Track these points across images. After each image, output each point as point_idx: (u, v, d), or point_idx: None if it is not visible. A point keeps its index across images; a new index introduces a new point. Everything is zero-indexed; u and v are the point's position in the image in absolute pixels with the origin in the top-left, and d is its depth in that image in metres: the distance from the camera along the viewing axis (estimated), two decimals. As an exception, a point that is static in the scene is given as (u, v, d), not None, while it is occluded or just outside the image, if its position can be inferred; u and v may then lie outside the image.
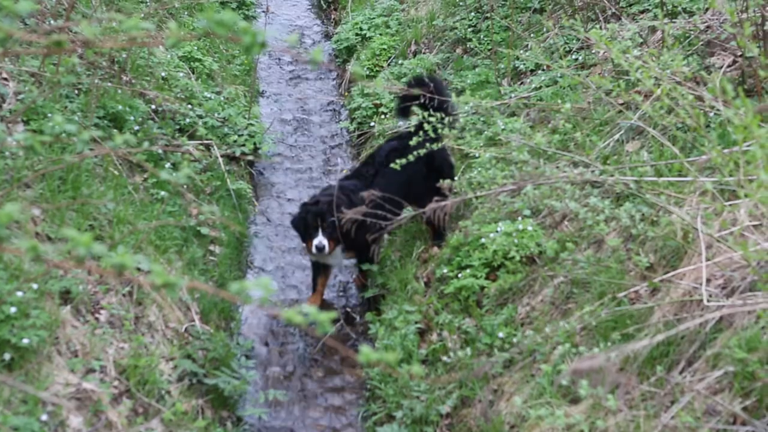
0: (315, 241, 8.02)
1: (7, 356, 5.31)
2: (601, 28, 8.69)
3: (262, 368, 7.81)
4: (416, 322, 7.57)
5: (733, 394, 4.79)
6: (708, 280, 5.35)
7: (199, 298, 7.73)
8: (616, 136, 7.73)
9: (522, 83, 10.05)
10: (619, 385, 4.60)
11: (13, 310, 5.40)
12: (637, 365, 5.18)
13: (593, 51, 9.31)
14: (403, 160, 6.83)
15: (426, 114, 7.10)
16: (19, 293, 5.50)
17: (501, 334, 6.71)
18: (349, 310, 8.63)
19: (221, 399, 6.87)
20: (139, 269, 6.93)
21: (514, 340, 6.42)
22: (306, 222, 8.11)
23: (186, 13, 12.70)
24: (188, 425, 6.17)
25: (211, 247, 8.86)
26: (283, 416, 7.28)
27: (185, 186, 8.69)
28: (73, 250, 2.62)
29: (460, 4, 12.38)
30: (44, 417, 5.10)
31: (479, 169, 7.69)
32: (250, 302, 2.57)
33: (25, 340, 5.37)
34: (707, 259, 5.36)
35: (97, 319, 6.40)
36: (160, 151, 8.86)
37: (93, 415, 5.53)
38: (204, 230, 8.76)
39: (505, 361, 6.51)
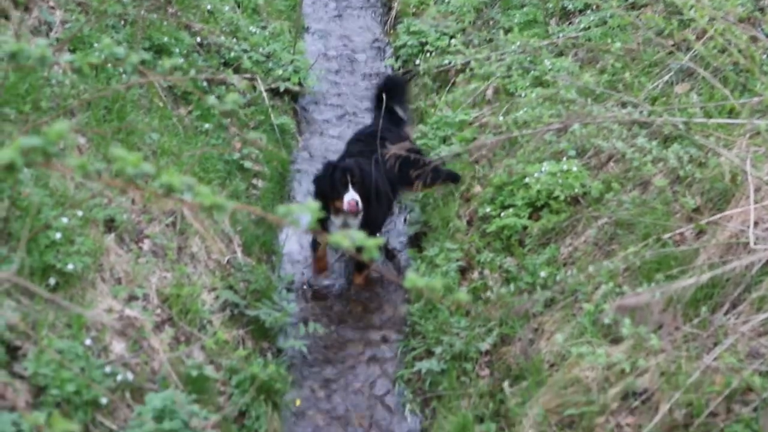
0: (347, 197, 7.45)
1: (52, 281, 5.35)
2: (653, -34, 8.53)
3: (303, 301, 7.84)
4: (457, 260, 7.56)
5: (777, 336, 4.76)
6: (756, 223, 5.28)
7: (241, 231, 7.77)
8: (666, 78, 7.62)
9: (570, 23, 9.91)
10: (662, 324, 4.57)
11: (58, 236, 5.43)
12: (681, 306, 5.13)
13: (644, -10, 9.14)
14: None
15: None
16: (65, 219, 5.54)
17: (543, 274, 6.68)
18: (389, 247, 8.63)
19: (262, 330, 6.92)
20: (182, 200, 6.98)
21: (556, 279, 6.38)
22: (333, 179, 7.55)
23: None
24: (229, 354, 6.21)
25: (254, 181, 8.87)
26: (323, 349, 7.32)
27: (229, 119, 8.69)
28: (120, 170, 2.60)
29: (509, -59, 12.19)
30: (88, 341, 5.15)
31: (525, 108, 7.61)
32: (296, 226, 2.55)
33: (70, 266, 5.41)
34: (755, 202, 5.29)
35: (140, 248, 6.44)
36: (205, 83, 8.85)
37: (135, 341, 5.58)
38: (247, 164, 8.77)
39: (546, 300, 6.49)
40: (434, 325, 7.03)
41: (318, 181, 7.77)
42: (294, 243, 8.50)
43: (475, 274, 7.44)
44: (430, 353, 6.89)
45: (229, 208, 2.51)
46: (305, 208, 2.58)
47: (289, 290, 7.76)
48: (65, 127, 2.44)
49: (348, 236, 2.42)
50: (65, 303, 4.11)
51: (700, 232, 5.81)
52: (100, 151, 6.63)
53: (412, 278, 2.43)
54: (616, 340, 5.64)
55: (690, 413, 4.84)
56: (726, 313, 5.13)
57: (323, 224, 7.66)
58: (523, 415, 5.88)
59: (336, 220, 7.71)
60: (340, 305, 7.87)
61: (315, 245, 8.08)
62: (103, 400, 4.91)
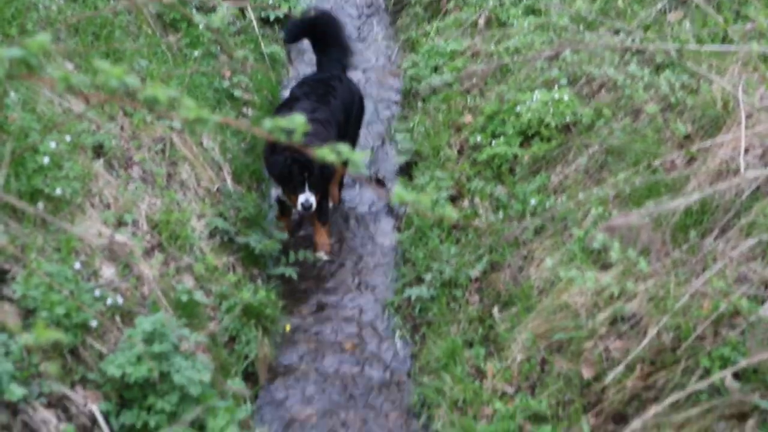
0: (301, 198, 7.02)
1: (40, 206, 5.33)
2: None
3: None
4: (448, 189, 7.55)
5: (766, 261, 4.76)
6: (746, 150, 5.26)
7: (231, 159, 7.74)
8: (659, 6, 7.53)
9: (563, -50, 9.79)
10: (651, 247, 4.57)
11: (46, 160, 5.40)
12: (670, 229, 5.14)
13: None
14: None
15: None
16: (53, 144, 5.50)
17: (533, 201, 6.68)
18: (379, 176, 8.61)
19: (252, 257, 6.93)
20: (171, 128, 6.94)
21: (546, 206, 6.38)
22: (291, 174, 7.03)
23: None
24: (219, 280, 6.23)
25: (244, 110, 8.83)
26: (314, 275, 7.34)
27: (219, 47, 8.63)
28: (104, 84, 2.57)
29: None
30: (77, 265, 5.14)
31: (517, 36, 7.56)
32: (283, 139, 2.53)
33: (59, 191, 5.39)
34: (746, 128, 5.26)
35: (129, 174, 6.42)
36: (194, 11, 8.76)
37: (125, 266, 5.58)
38: (237, 93, 8.72)
39: (536, 227, 6.50)
40: (424, 253, 7.04)
41: (272, 171, 7.26)
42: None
43: (466, 203, 7.43)
44: (420, 280, 6.90)
45: (213, 121, 2.47)
46: (292, 121, 2.55)
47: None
48: (47, 38, 2.39)
49: (335, 150, 2.40)
50: (54, 220, 4.09)
51: (691, 159, 5.80)
52: (88, 75, 6.55)
53: (400, 193, 2.41)
54: (606, 266, 5.66)
55: (678, 337, 4.87)
56: (715, 239, 5.13)
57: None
58: (512, 340, 5.91)
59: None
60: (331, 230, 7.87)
61: (282, 211, 7.78)
62: (93, 323, 4.92)
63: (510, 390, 5.68)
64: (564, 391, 5.35)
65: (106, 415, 4.75)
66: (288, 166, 6.94)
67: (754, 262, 4.84)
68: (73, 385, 4.79)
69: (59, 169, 5.51)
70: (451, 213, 2.61)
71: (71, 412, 4.68)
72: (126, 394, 4.84)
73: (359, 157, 2.48)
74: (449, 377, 5.89)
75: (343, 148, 2.52)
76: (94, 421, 4.73)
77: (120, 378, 4.77)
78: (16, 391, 4.25)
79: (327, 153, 2.48)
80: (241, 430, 5.20)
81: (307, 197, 6.95)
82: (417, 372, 6.34)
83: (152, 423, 4.76)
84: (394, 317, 6.93)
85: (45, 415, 4.50)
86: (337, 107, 7.73)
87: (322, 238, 7.61)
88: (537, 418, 5.33)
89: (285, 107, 7.66)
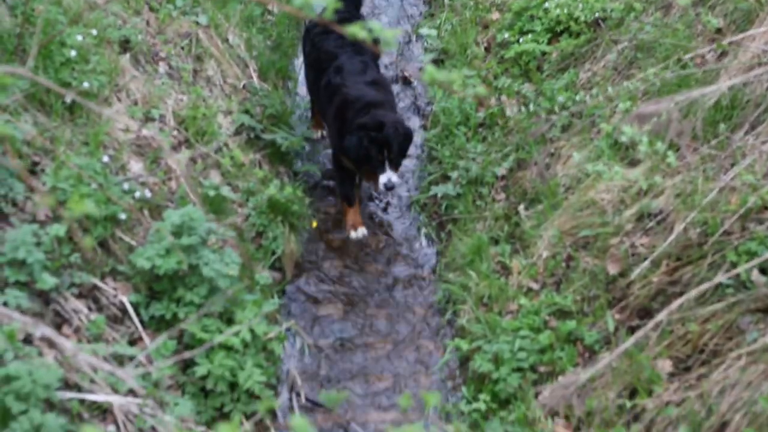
0: (383, 179, 6.37)
1: (68, 99, 5.33)
2: None
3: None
4: (475, 86, 7.47)
5: (796, 155, 4.73)
6: (779, 44, 5.19)
7: (257, 56, 7.69)
8: None
9: None
10: (680, 136, 4.52)
11: (73, 53, 5.39)
12: (700, 124, 5.09)
13: None
14: None
15: None
16: (79, 38, 5.48)
17: (561, 98, 6.62)
18: (406, 74, 8.55)
19: (278, 154, 6.93)
20: (197, 23, 6.89)
21: (574, 103, 6.33)
22: (369, 154, 6.37)
23: None
24: (246, 177, 6.24)
25: (270, 7, 8.73)
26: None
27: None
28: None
29: None
30: (105, 159, 5.17)
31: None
32: (313, 15, 2.51)
33: (86, 84, 5.39)
34: (780, 22, 5.18)
35: (155, 69, 6.40)
36: None
37: (153, 161, 5.60)
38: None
39: (563, 124, 6.46)
40: (450, 151, 7.02)
41: (350, 150, 6.47)
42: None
43: (493, 101, 7.38)
44: (446, 178, 6.90)
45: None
46: None
47: (306, 116, 7.72)
48: None
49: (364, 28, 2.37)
50: (86, 103, 4.09)
51: (723, 53, 5.72)
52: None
53: (431, 71, 2.40)
54: (634, 163, 5.63)
55: (704, 232, 4.86)
56: (745, 134, 5.09)
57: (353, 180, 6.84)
58: (537, 237, 5.92)
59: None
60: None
61: (349, 201, 6.80)
62: (122, 216, 4.96)
63: (535, 286, 5.70)
64: (589, 287, 5.37)
65: (136, 307, 4.82)
66: (365, 147, 6.34)
67: (784, 156, 4.80)
68: (103, 277, 4.85)
69: (86, 63, 5.50)
70: (483, 90, 2.60)
71: (101, 303, 4.75)
72: (155, 286, 4.91)
73: (391, 35, 2.46)
74: (475, 274, 5.92)
75: (375, 25, 2.50)
76: (124, 311, 4.80)
77: (149, 270, 4.82)
78: (48, 281, 4.31)
79: (356, 30, 2.45)
80: (269, 323, 5.26)
81: (389, 177, 6.36)
82: (442, 269, 6.37)
83: (181, 314, 4.83)
84: (420, 215, 6.94)
85: (76, 304, 4.58)
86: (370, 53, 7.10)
87: (351, 216, 6.83)
88: (562, 314, 5.36)
89: (329, 71, 6.89)
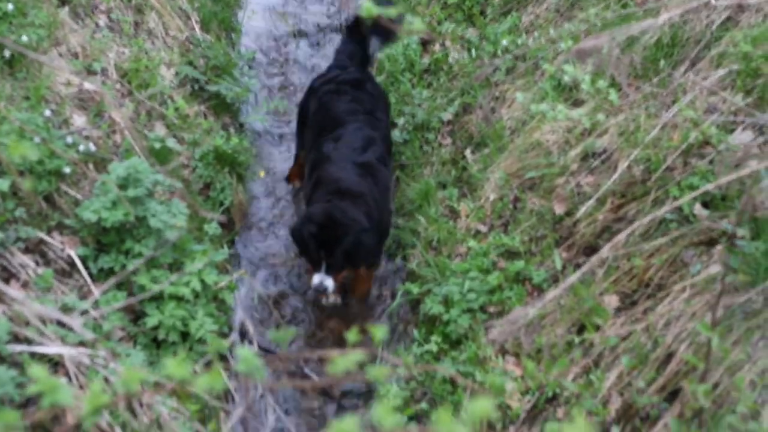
0: (315, 279, 5.50)
1: (7, 53, 5.26)
2: None
3: (264, 78, 7.79)
4: (412, 23, 7.46)
5: (736, 91, 4.79)
6: (718, -19, 5.23)
7: (198, 8, 7.62)
8: None
9: None
10: (620, 70, 4.56)
11: (10, 7, 5.31)
12: (640, 57, 5.13)
13: None
14: None
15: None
16: (15, -9, 5.40)
17: (504, 42, 6.64)
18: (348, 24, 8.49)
19: (223, 105, 6.90)
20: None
21: (518, 46, 6.35)
22: (307, 248, 5.55)
23: None
24: (191, 129, 6.21)
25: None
26: (281, 124, 7.31)
27: None
28: None
29: None
30: (47, 113, 5.11)
31: None
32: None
33: (24, 38, 5.31)
34: (718, -40, 5.22)
35: (96, 23, 6.32)
36: None
37: (96, 115, 5.55)
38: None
39: (507, 67, 6.48)
40: (396, 97, 7.02)
41: (293, 235, 5.70)
42: (257, 20, 8.38)
43: (437, 47, 7.38)
44: (392, 125, 6.90)
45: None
46: None
47: (250, 67, 7.67)
48: None
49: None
50: (29, 52, 4.04)
51: (663, -7, 5.76)
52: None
53: (368, 6, 2.40)
54: (577, 103, 5.67)
55: (648, 169, 4.92)
56: (686, 71, 5.15)
57: None
58: (484, 180, 5.96)
59: None
60: (301, 76, 7.80)
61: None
62: (67, 170, 4.92)
63: (483, 228, 5.75)
64: (536, 227, 5.43)
65: (84, 260, 4.80)
66: (304, 239, 5.52)
67: (724, 92, 4.86)
68: (49, 231, 4.82)
69: (24, 17, 5.42)
70: (420, 25, 2.61)
71: (49, 257, 4.72)
72: (103, 239, 4.88)
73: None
74: (423, 218, 5.96)
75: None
76: (72, 265, 4.78)
77: (96, 223, 4.79)
78: (-6, 235, 4.28)
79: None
80: (219, 272, 5.26)
81: (321, 280, 5.47)
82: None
83: (130, 266, 4.81)
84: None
85: (23, 259, 4.54)
86: (385, 125, 6.34)
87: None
88: (510, 255, 5.42)
89: (328, 136, 6.05)
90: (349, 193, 5.62)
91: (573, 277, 3.44)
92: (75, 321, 2.91)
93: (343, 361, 1.61)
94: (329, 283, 5.47)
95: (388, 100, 6.57)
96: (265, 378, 1.77)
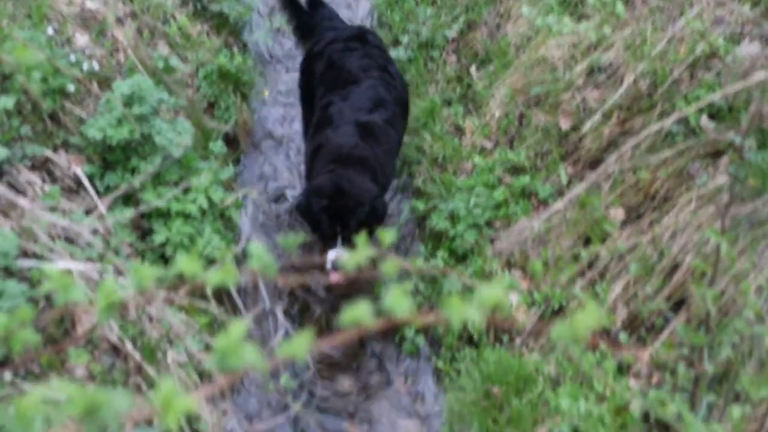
0: (330, 255, 5.10)
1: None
2: None
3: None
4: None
5: (743, 2, 4.75)
6: None
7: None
8: None
9: None
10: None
11: (9, -76, 5.24)
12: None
13: None
14: None
15: None
16: None
17: (509, -43, 6.56)
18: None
19: (226, 25, 6.84)
20: None
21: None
22: (318, 223, 5.18)
23: None
24: (195, 48, 6.17)
25: None
26: (288, 47, 7.27)
27: None
28: None
29: None
30: (50, 32, 5.08)
31: None
32: None
33: (24, -45, 5.26)
34: None
35: (96, -60, 6.25)
36: None
37: (99, 33, 5.51)
38: None
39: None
40: (400, 16, 6.97)
41: (300, 210, 5.34)
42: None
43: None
44: (397, 43, 6.87)
45: None
46: None
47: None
48: None
49: None
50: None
51: None
52: None
53: None
54: (583, 17, 5.63)
55: (654, 83, 4.90)
56: (693, -18, 5.10)
57: None
58: (490, 97, 5.95)
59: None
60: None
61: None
62: (71, 88, 4.90)
63: (489, 145, 5.75)
64: (542, 143, 5.42)
65: (90, 178, 4.80)
66: (315, 214, 5.16)
67: (731, 2, 4.82)
68: (55, 149, 4.82)
69: (23, -66, 5.36)
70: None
71: (55, 175, 4.73)
72: (108, 157, 4.88)
73: None
74: (429, 135, 5.95)
75: None
76: (78, 183, 4.78)
77: (101, 141, 4.79)
78: (0, 151, 4.28)
79: None
80: (225, 190, 5.27)
81: (338, 255, 5.09)
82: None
83: (136, 184, 4.82)
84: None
85: (29, 177, 4.55)
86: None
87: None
88: (516, 170, 5.42)
89: (336, 93, 5.62)
90: (351, 159, 5.26)
91: (579, 188, 3.45)
92: (84, 229, 2.93)
93: (354, 257, 1.62)
94: (345, 255, 4.66)
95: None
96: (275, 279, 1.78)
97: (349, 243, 5.10)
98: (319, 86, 5.77)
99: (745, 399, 3.41)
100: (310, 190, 5.20)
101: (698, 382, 3.20)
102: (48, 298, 4.12)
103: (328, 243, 5.12)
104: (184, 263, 1.63)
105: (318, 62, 5.89)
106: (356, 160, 5.24)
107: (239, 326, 1.34)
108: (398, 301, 1.31)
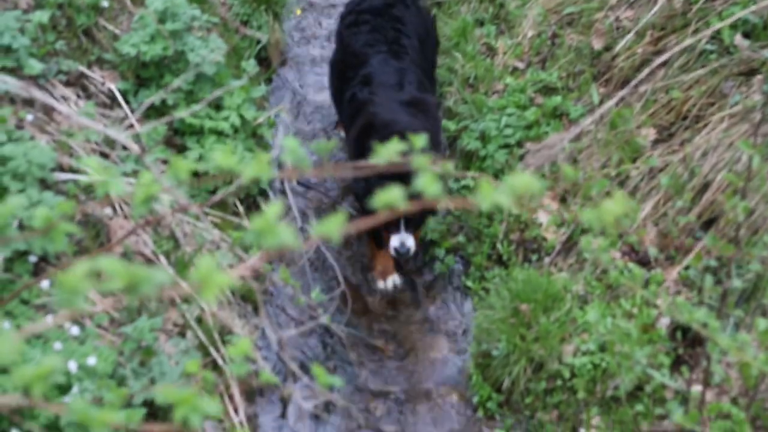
0: (394, 242, 4.75)
1: None
2: None
3: None
4: None
5: None
6: None
7: None
8: None
9: None
10: None
11: None
12: None
13: None
14: None
15: None
16: None
17: None
18: None
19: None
20: None
21: None
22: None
23: None
24: (227, -34, 6.17)
25: None
26: None
27: None
28: None
29: None
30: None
31: None
32: None
33: None
34: None
35: None
36: None
37: (131, -49, 5.52)
38: None
39: None
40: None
41: (358, 197, 5.11)
42: None
43: None
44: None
45: None
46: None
47: None
48: None
49: None
50: None
51: None
52: None
53: None
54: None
55: (688, 0, 4.87)
56: None
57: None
58: (522, 17, 5.91)
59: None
60: None
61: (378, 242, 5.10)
62: (105, 3, 4.93)
63: (521, 65, 5.73)
64: (574, 63, 5.40)
65: (124, 94, 4.84)
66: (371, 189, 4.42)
67: None
68: (89, 66, 4.86)
69: None
70: None
71: (90, 91, 4.78)
72: (142, 74, 4.92)
73: None
74: (460, 55, 5.93)
75: None
76: (113, 99, 4.83)
77: (135, 57, 4.83)
78: (35, 66, 4.33)
79: None
80: (257, 108, 5.30)
81: (402, 240, 4.74)
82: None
83: (170, 101, 4.85)
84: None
85: (65, 91, 4.60)
86: (415, 49, 5.43)
87: (382, 261, 5.17)
88: (547, 90, 5.41)
89: (355, 81, 5.22)
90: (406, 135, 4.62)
91: (609, 103, 3.44)
92: (121, 135, 2.97)
93: (386, 150, 1.65)
94: (411, 242, 4.74)
95: (429, 20, 5.71)
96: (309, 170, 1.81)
97: (413, 226, 4.81)
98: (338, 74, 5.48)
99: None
100: (369, 176, 4.62)
101: (725, 298, 3.22)
102: (86, 216, 4.20)
103: (391, 229, 4.77)
104: (221, 157, 1.66)
105: (337, 42, 5.67)
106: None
107: (275, 207, 1.38)
108: (429, 184, 1.34)
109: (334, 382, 1.94)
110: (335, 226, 1.30)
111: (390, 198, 1.32)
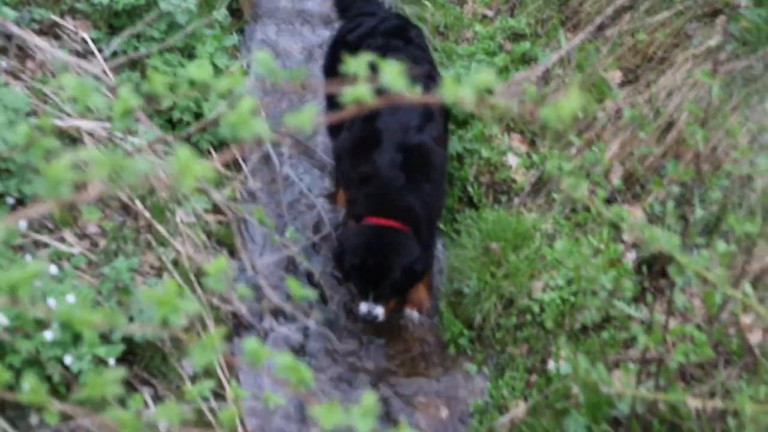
0: (361, 308, 4.51)
1: None
2: None
3: None
4: None
5: None
6: None
7: None
8: None
9: None
10: None
11: None
12: None
13: None
14: None
15: None
16: None
17: None
18: None
19: None
20: None
21: None
22: (350, 279, 4.63)
23: None
24: None
25: None
26: None
27: None
28: None
29: None
30: None
31: None
32: None
33: None
34: None
35: None
36: None
37: None
38: None
39: None
40: None
41: (336, 258, 4.74)
42: None
43: None
44: None
45: None
46: None
47: None
48: None
49: None
50: None
51: None
52: None
53: None
54: None
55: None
56: None
57: None
58: (491, -34, 5.98)
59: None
60: None
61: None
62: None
63: (490, 13, 5.81)
64: (542, 9, 5.49)
65: (97, 42, 4.87)
66: (346, 266, 4.56)
67: None
68: (62, 15, 4.89)
69: None
70: None
71: (63, 40, 4.81)
72: (114, 23, 4.95)
73: None
74: (430, 4, 5.99)
75: None
76: (86, 49, 4.86)
77: (107, 6, 4.85)
78: (9, 14, 4.35)
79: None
80: (229, 57, 5.34)
81: (369, 309, 4.51)
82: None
83: (142, 49, 4.89)
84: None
85: (38, 41, 4.63)
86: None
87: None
88: (516, 36, 5.49)
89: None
90: (393, 210, 4.53)
91: (574, 40, 3.51)
92: (96, 68, 3.02)
93: (354, 63, 1.70)
94: (379, 311, 4.50)
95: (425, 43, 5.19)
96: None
97: (381, 301, 4.53)
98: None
99: (735, 241, 3.54)
100: (344, 244, 4.60)
101: (688, 227, 3.32)
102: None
103: (361, 296, 4.58)
104: (194, 70, 1.73)
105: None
106: (400, 212, 4.51)
107: (249, 101, 1.45)
108: (395, 78, 1.41)
109: (307, 295, 2.01)
110: (307, 117, 1.37)
111: (358, 93, 1.39)
